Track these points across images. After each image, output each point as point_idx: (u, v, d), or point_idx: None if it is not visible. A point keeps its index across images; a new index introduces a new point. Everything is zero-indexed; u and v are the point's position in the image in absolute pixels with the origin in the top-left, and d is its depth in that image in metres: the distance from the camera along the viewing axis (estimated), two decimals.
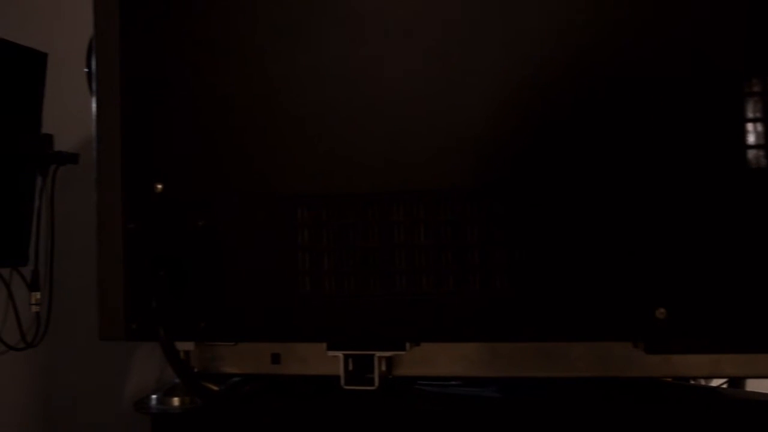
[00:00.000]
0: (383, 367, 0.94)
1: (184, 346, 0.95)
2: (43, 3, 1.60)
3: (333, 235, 0.90)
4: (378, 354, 0.92)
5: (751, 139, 0.83)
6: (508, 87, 0.87)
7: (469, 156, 0.87)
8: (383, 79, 0.89)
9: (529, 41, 0.87)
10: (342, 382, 0.93)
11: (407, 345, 0.92)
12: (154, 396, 1.00)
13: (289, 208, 0.91)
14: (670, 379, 1.00)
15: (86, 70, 1.19)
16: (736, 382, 1.14)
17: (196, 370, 1.01)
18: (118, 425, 1.55)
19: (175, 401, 0.99)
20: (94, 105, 1.08)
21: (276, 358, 1.01)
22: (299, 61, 0.91)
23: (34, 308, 1.50)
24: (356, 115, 0.90)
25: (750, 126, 0.83)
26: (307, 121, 0.91)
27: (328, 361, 0.94)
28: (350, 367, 0.93)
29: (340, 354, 0.93)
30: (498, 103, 0.87)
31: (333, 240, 0.90)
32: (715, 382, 1.13)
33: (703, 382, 1.10)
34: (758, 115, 0.83)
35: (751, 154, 0.83)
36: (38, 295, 1.50)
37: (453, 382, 1.03)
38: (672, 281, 0.84)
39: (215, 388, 0.95)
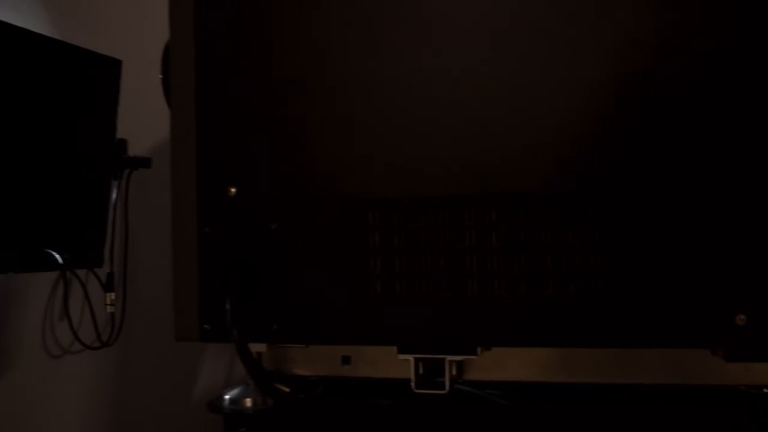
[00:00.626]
0: (454, 371, 0.93)
1: (256, 347, 0.96)
2: (118, 10, 1.64)
3: (404, 238, 0.90)
4: (449, 358, 0.92)
5: None
6: (585, 88, 0.86)
7: (544, 160, 0.86)
8: (455, 80, 0.89)
9: (613, 37, 0.85)
10: (413, 385, 0.93)
11: (478, 349, 0.91)
12: (226, 396, 1.01)
13: (360, 211, 0.91)
14: (743, 387, 0.97)
15: (161, 75, 1.22)
16: None
17: (267, 371, 1.02)
18: (189, 423, 1.58)
19: (248, 401, 1.00)
20: (168, 110, 1.10)
21: (346, 360, 1.02)
22: (371, 64, 0.91)
23: (109, 308, 1.54)
24: (428, 117, 0.89)
25: None
26: (379, 125, 0.91)
27: (398, 364, 0.94)
28: (420, 371, 0.93)
29: (410, 357, 0.93)
30: (575, 105, 0.86)
31: (404, 243, 0.90)
32: None
33: None
34: None
35: None
36: (113, 295, 1.54)
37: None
38: (753, 287, 0.82)
39: (287, 389, 0.95)
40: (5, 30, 1.22)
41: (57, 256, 1.32)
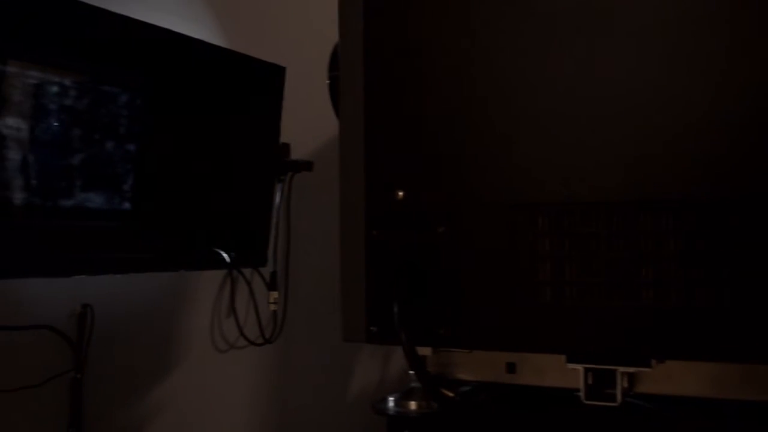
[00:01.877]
0: (625, 383, 0.90)
1: (421, 351, 0.96)
2: (281, 16, 1.69)
3: (575, 244, 0.87)
4: (621, 369, 0.89)
5: None
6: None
7: (722, 165, 0.82)
8: (630, 86, 0.85)
9: None
10: (582, 396, 0.90)
11: (652, 361, 0.87)
12: (391, 398, 1.02)
13: (529, 216, 0.89)
14: None
15: (328, 81, 1.25)
16: None
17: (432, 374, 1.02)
18: (347, 419, 1.61)
19: (412, 405, 1.00)
20: (332, 113, 1.13)
21: (511, 368, 1.00)
22: (539, 68, 0.89)
23: (272, 307, 1.59)
24: (600, 121, 0.87)
25: None
26: (549, 129, 0.89)
27: (565, 373, 0.92)
28: (590, 381, 0.90)
29: (580, 367, 0.90)
30: (752, 110, 0.81)
31: (575, 249, 0.87)
32: None
33: None
34: None
35: None
36: (276, 294, 1.59)
37: None
38: None
39: (451, 394, 0.95)
40: (180, 41, 1.28)
41: (225, 255, 1.38)
